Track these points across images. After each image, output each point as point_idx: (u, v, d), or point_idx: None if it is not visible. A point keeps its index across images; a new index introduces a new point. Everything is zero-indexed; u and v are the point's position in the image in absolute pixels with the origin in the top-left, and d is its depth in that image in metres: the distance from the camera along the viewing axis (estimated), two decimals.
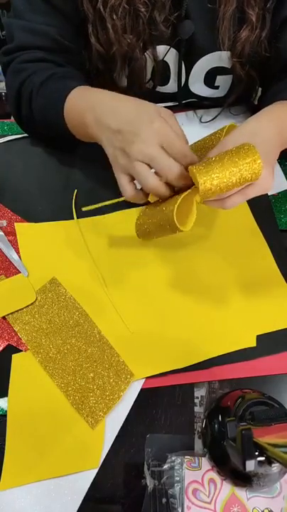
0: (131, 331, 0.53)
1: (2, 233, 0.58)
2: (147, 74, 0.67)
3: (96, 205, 0.55)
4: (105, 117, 0.52)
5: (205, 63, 0.66)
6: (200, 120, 0.74)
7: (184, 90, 0.71)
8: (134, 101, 0.52)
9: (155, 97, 0.71)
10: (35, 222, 0.60)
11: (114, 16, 0.57)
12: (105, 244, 0.59)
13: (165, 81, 0.70)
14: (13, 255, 0.57)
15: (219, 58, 0.65)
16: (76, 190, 0.63)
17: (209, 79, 0.69)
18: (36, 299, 0.54)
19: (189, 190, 0.49)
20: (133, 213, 0.61)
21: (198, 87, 0.71)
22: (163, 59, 0.65)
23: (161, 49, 0.64)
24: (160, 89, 0.71)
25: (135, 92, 0.68)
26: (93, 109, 0.53)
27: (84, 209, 0.56)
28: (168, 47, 0.63)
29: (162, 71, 0.67)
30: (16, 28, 0.61)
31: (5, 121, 0.72)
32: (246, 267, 0.58)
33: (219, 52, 0.63)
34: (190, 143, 0.57)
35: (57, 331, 0.52)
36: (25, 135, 0.69)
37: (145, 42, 0.61)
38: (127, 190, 0.51)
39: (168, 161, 0.48)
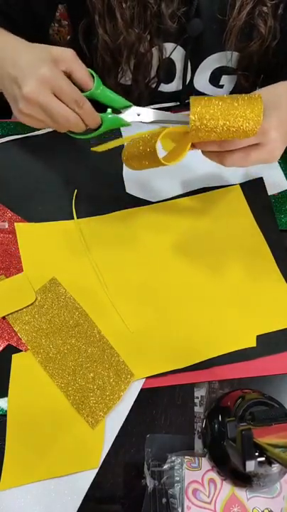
0: (131, 330, 0.53)
1: None
2: (152, 71, 0.67)
3: (105, 146, 0.53)
4: (5, 63, 0.50)
5: (212, 62, 0.66)
6: None
7: (188, 88, 0.71)
8: (29, 45, 0.51)
9: (158, 95, 0.71)
10: (35, 222, 0.60)
11: (124, 5, 0.57)
12: (105, 244, 0.59)
13: (170, 79, 0.70)
14: None
15: (225, 58, 0.65)
16: (76, 190, 0.63)
17: (215, 78, 0.69)
18: (36, 299, 0.54)
19: (181, 126, 0.47)
20: (133, 213, 0.61)
21: (203, 85, 0.71)
22: (169, 56, 0.65)
23: (168, 47, 0.64)
24: (164, 87, 0.71)
25: (139, 90, 0.68)
26: None
27: (93, 149, 0.54)
28: (175, 45, 0.63)
29: (167, 69, 0.67)
30: None
31: (5, 121, 0.71)
32: (246, 267, 0.57)
33: (226, 52, 0.63)
34: None
35: (57, 331, 0.52)
36: (25, 135, 0.69)
37: (152, 35, 0.61)
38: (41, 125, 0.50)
39: (62, 108, 0.48)
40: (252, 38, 0.60)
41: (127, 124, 0.53)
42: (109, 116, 0.52)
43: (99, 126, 0.52)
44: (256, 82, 0.68)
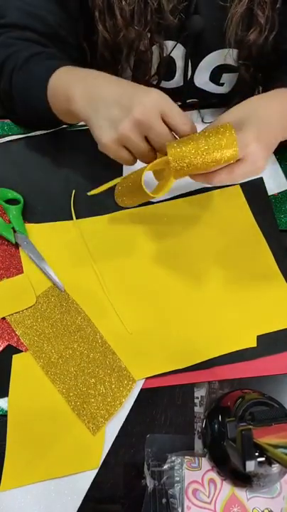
0: (130, 331, 0.53)
1: (33, 245, 0.58)
2: (152, 69, 0.67)
3: (101, 189, 0.55)
4: (99, 89, 0.51)
5: (212, 60, 0.66)
6: (202, 120, 0.74)
7: (188, 85, 0.71)
8: (123, 80, 0.53)
9: None
10: (35, 222, 0.60)
11: (123, 2, 0.57)
12: (105, 244, 0.59)
13: (171, 77, 0.70)
14: (45, 267, 0.56)
15: (226, 56, 0.65)
16: (74, 191, 0.63)
17: (215, 76, 0.69)
18: (39, 303, 0.54)
19: (164, 159, 0.49)
20: (133, 213, 0.61)
21: (203, 83, 0.71)
22: (169, 54, 0.65)
23: (168, 44, 0.63)
24: (165, 84, 0.71)
25: None
26: (84, 80, 0.52)
27: (89, 193, 0.55)
28: (175, 42, 0.63)
29: (168, 66, 0.67)
30: (11, 7, 0.60)
31: (5, 121, 0.71)
32: (246, 267, 0.57)
33: (227, 49, 0.63)
34: None
35: (60, 336, 0.52)
36: (26, 135, 0.69)
37: (152, 33, 0.61)
38: (125, 156, 0.51)
39: (164, 128, 0.48)
40: (251, 27, 0.60)
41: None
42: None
43: None
44: (256, 76, 0.67)
